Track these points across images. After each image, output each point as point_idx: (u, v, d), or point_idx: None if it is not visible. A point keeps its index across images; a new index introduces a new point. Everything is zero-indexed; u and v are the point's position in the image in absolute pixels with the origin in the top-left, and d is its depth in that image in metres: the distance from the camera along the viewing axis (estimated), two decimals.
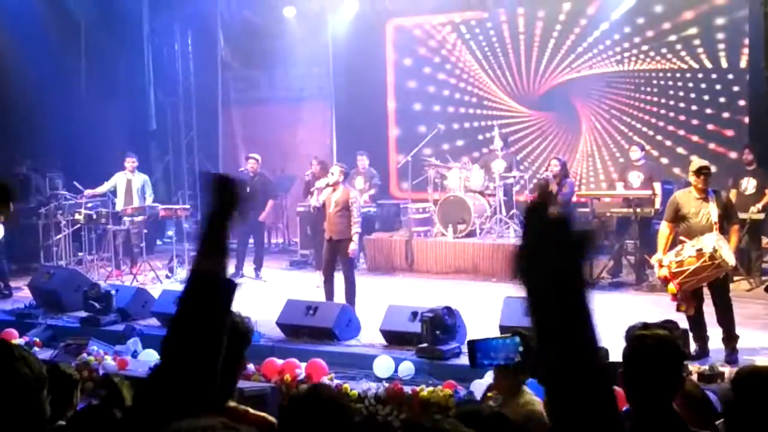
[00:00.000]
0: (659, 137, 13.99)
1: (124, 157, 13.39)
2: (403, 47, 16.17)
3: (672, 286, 7.79)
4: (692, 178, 8.04)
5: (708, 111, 13.67)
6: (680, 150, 13.83)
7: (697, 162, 8.26)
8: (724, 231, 7.85)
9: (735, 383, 3.09)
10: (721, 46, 13.58)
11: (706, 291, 7.99)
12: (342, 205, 10.12)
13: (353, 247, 10.17)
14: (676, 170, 13.49)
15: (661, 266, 7.91)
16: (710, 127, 13.66)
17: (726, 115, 13.56)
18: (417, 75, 16.03)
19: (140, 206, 13.03)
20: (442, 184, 13.40)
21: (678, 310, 7.82)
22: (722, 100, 13.57)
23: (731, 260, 7.69)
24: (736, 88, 13.44)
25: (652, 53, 14.09)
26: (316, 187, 10.59)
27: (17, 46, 14.26)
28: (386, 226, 14.12)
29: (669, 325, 7.63)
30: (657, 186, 11.81)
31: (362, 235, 13.74)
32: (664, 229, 8.21)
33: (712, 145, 13.54)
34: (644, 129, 14.11)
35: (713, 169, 8.50)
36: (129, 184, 13.21)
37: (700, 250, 7.61)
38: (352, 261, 10.47)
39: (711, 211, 7.84)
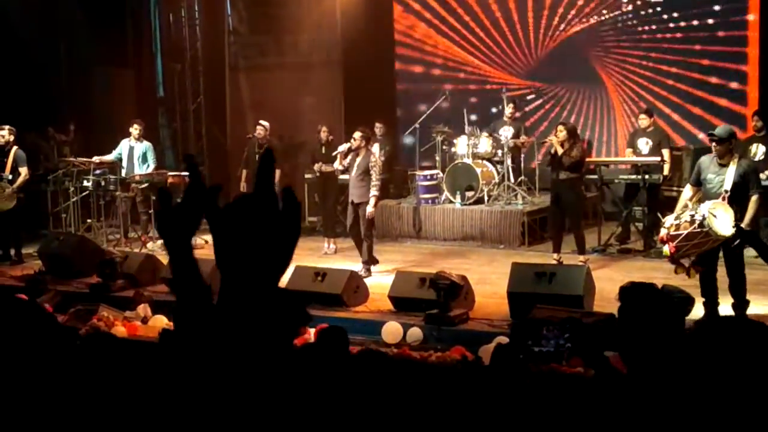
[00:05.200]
0: (662, 104, 13.90)
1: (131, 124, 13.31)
2: (411, 12, 16.06)
3: (666, 249, 7.82)
4: None
5: (714, 80, 13.59)
6: (683, 119, 13.77)
7: (717, 128, 8.22)
8: (741, 200, 7.79)
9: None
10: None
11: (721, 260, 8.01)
12: (363, 169, 10.49)
13: (370, 209, 10.41)
14: (679, 138, 13.45)
15: (664, 227, 7.96)
16: (717, 100, 13.57)
17: (734, 85, 13.49)
18: (425, 40, 15.93)
19: (147, 173, 13.00)
20: (451, 151, 13.40)
21: (676, 272, 7.87)
22: (730, 66, 13.47)
23: (723, 231, 7.54)
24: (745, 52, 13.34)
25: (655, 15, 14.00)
26: (339, 151, 10.83)
27: (24, 14, 14.22)
28: (395, 193, 14.17)
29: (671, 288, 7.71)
30: (666, 152, 11.77)
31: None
32: (685, 191, 8.28)
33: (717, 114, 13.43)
34: (650, 97, 14.02)
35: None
36: (131, 152, 13.11)
37: (692, 216, 7.64)
38: (371, 223, 10.72)
39: (726, 178, 7.81)
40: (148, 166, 13.04)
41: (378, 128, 14.10)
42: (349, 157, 10.65)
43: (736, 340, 2.31)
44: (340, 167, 10.89)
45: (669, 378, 2.77)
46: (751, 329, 2.34)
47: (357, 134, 10.58)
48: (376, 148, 13.68)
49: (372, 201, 10.48)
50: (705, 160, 8.12)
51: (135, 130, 13.03)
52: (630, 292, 3.09)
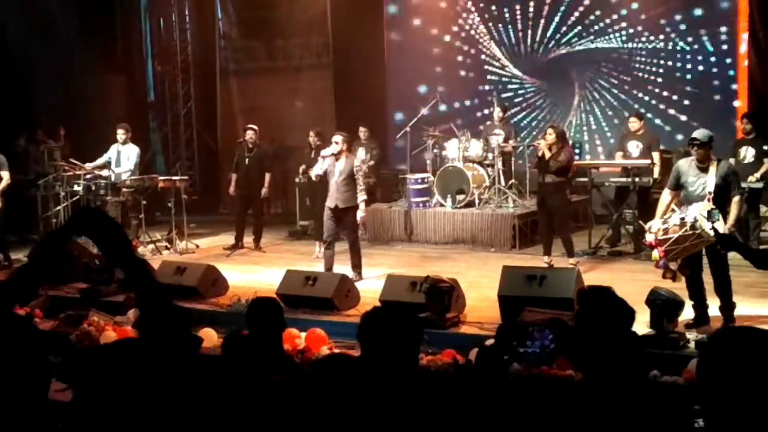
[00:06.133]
0: (661, 105, 13.99)
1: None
2: (401, 14, 16.09)
3: (655, 253, 7.82)
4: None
5: (703, 78, 13.67)
6: (682, 117, 13.86)
7: (696, 132, 8.20)
8: (722, 202, 7.81)
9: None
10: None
11: (705, 261, 8.01)
12: (347, 173, 10.26)
13: (361, 214, 10.34)
14: (679, 137, 13.47)
15: (649, 232, 7.95)
16: (714, 97, 13.65)
17: (717, 82, 13.59)
18: (416, 41, 15.94)
19: (138, 177, 12.96)
20: (441, 155, 13.40)
21: (664, 277, 7.87)
22: (718, 69, 13.56)
23: (713, 232, 7.58)
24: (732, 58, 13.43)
25: (655, 29, 14.10)
26: (321, 155, 10.60)
27: (14, 18, 14.20)
28: (385, 197, 14.17)
29: (662, 291, 7.72)
30: (656, 155, 11.81)
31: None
32: (664, 196, 8.22)
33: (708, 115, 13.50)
34: (643, 96, 14.10)
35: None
36: (119, 156, 13.05)
37: (683, 219, 7.64)
38: (359, 227, 10.62)
39: (708, 181, 7.83)
40: (129, 167, 12.94)
41: (362, 132, 14.08)
42: (327, 162, 10.42)
43: (750, 350, 2.34)
44: (321, 172, 10.61)
45: (624, 380, 2.82)
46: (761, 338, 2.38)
47: (338, 138, 10.40)
48: (361, 152, 13.71)
49: (362, 206, 10.42)
50: (683, 164, 8.13)
51: (120, 134, 12.97)
52: (587, 296, 3.15)
